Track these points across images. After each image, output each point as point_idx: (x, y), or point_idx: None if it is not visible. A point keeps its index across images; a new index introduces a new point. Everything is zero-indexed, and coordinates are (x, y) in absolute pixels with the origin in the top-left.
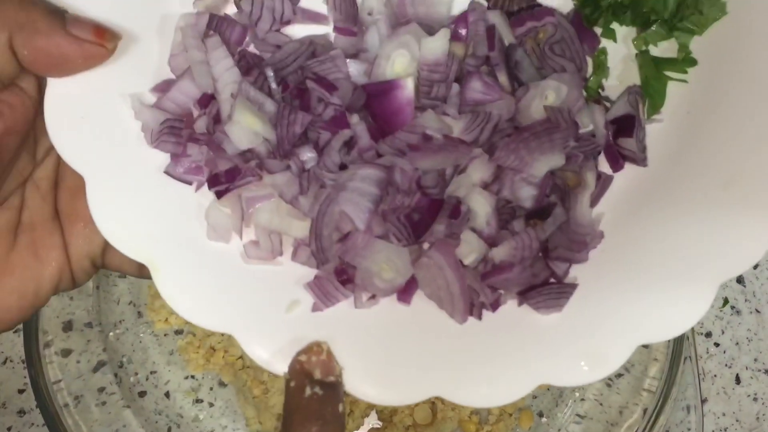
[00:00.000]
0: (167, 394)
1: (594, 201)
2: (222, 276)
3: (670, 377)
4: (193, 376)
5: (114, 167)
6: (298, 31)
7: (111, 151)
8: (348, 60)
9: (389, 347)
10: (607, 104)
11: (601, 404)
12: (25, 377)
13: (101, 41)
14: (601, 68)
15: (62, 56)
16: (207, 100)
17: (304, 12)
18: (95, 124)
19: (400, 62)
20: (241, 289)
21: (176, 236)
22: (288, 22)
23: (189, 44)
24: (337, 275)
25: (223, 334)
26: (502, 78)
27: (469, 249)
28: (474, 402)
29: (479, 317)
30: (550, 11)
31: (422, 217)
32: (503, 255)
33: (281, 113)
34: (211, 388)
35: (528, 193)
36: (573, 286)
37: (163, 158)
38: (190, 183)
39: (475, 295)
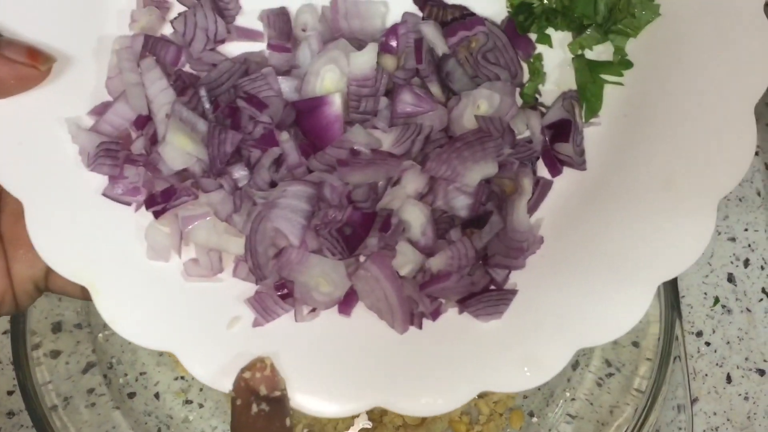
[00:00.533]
0: (157, 395)
1: (533, 206)
2: (163, 295)
3: (659, 377)
4: (182, 377)
5: (52, 191)
6: (234, 48)
7: (49, 175)
8: (280, 77)
9: (331, 359)
10: (544, 110)
11: (591, 404)
12: (14, 378)
13: (35, 63)
14: (537, 74)
15: None
16: (143, 121)
17: (239, 30)
18: (32, 148)
19: (329, 78)
20: (182, 308)
21: (116, 257)
22: (223, 41)
23: (124, 66)
24: (277, 290)
25: None
26: (434, 89)
27: (405, 260)
28: (416, 411)
29: (420, 327)
30: (481, 20)
31: (355, 230)
32: (440, 264)
33: (212, 133)
34: (201, 389)
35: (462, 203)
36: (513, 293)
37: (101, 180)
38: (129, 204)
39: (415, 305)
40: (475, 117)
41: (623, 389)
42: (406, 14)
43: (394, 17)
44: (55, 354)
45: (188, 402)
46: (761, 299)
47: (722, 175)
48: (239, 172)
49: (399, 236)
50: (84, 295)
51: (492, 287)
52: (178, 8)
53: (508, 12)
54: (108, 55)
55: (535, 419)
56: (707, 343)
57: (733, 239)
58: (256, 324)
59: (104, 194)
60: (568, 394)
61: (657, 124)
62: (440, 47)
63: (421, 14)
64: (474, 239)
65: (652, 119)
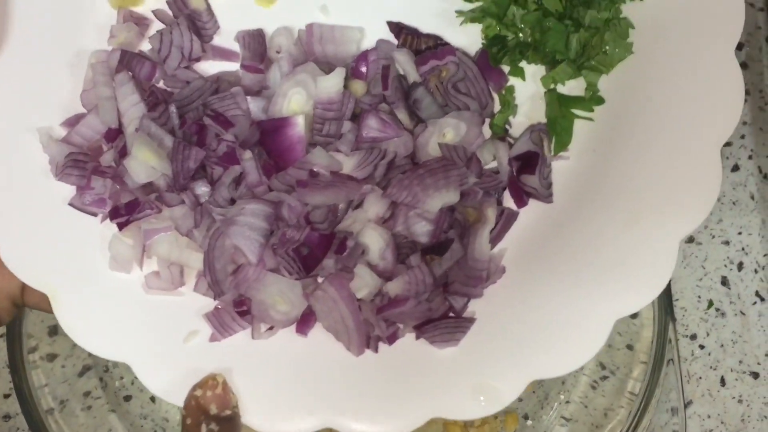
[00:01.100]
0: (152, 399)
1: (497, 237)
2: (122, 306)
3: (653, 380)
4: None
5: (20, 199)
6: (211, 67)
7: (18, 183)
8: (250, 97)
9: (285, 378)
10: (513, 141)
11: (586, 406)
12: (10, 382)
13: None
14: (508, 106)
15: None
16: (114, 134)
17: (215, 49)
18: (2, 155)
19: (295, 100)
20: (141, 319)
21: (79, 267)
22: (198, 59)
23: (98, 80)
24: (236, 306)
25: None
26: (402, 115)
27: (362, 283)
28: None
29: (375, 350)
30: (453, 50)
31: (312, 251)
32: (397, 289)
33: (177, 148)
34: None
35: (423, 229)
36: (470, 321)
37: (69, 191)
38: (94, 215)
39: (372, 329)
40: (439, 145)
41: (617, 392)
42: (380, 41)
43: (369, 43)
44: (52, 357)
45: None
46: (755, 302)
47: (686, 214)
48: (201, 189)
49: (357, 259)
50: None
51: (451, 314)
52: (158, 25)
53: (482, 44)
54: (85, 69)
55: (529, 422)
56: (701, 346)
57: (726, 243)
58: (212, 339)
59: (71, 204)
60: (562, 397)
61: (623, 161)
62: (412, 75)
63: (396, 41)
64: (434, 266)
65: (621, 155)
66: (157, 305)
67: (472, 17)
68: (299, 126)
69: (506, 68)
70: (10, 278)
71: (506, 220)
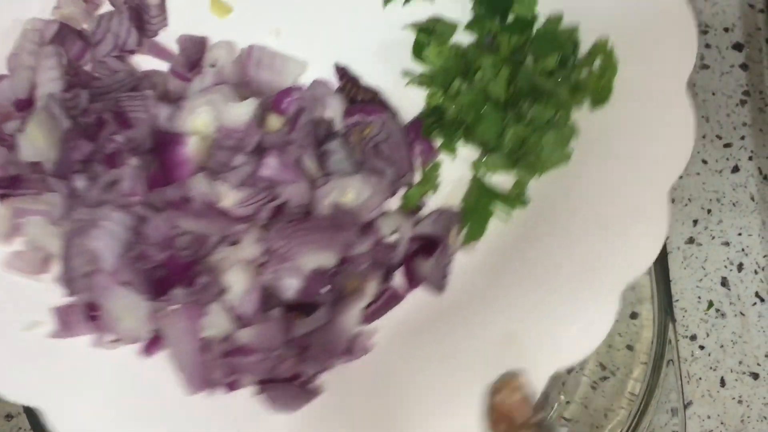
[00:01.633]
0: None
1: (374, 314)
2: None
3: (653, 380)
4: None
5: None
6: (147, 63)
7: None
8: (162, 103)
9: (117, 397)
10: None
11: (586, 407)
12: None
13: None
14: (428, 181)
15: None
16: (25, 104)
17: (153, 46)
18: None
19: (201, 119)
20: None
21: None
22: (133, 52)
23: (25, 47)
24: (89, 309)
25: None
26: (309, 162)
27: (212, 322)
28: None
29: (212, 393)
30: (382, 110)
31: (166, 275)
32: (246, 338)
33: (66, 137)
34: None
35: (289, 284)
36: (315, 394)
37: None
38: None
39: (214, 371)
40: (332, 204)
41: (617, 392)
42: (316, 81)
43: (309, 79)
44: None
45: None
46: (755, 303)
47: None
48: (80, 182)
49: (214, 297)
50: None
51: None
52: (107, 7)
53: (422, 111)
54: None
55: None
56: (701, 347)
57: (726, 243)
58: (53, 335)
59: None
60: (562, 398)
61: (520, 273)
62: (337, 124)
63: (336, 85)
64: (294, 324)
65: (521, 265)
66: (10, 285)
67: (419, 80)
68: (190, 146)
69: (440, 142)
70: None
71: (387, 300)
